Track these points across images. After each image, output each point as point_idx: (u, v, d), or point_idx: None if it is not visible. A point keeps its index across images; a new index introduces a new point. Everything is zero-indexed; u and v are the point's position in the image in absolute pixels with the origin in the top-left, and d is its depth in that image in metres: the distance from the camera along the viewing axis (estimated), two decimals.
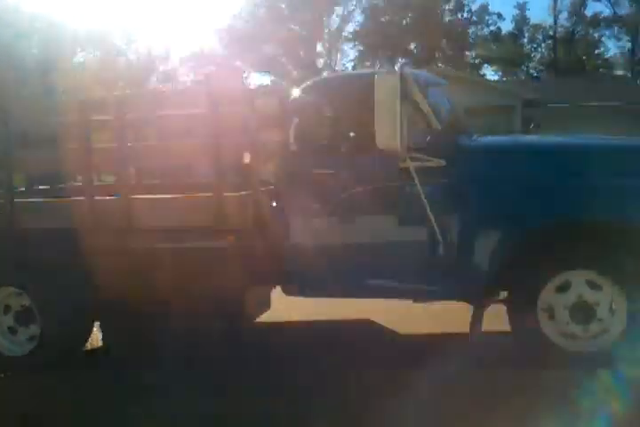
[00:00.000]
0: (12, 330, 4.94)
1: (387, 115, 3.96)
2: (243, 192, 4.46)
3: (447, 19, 54.58)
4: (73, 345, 5.03)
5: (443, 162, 4.22)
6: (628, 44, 49.22)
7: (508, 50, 53.57)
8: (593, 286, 4.03)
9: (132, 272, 4.52)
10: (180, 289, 4.42)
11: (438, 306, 4.64)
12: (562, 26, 51.40)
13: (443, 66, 46.51)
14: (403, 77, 4.01)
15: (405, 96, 4.02)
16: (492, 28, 55.85)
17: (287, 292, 4.65)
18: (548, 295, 4.08)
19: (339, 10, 52.68)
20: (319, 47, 53.90)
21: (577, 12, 51.85)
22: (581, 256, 4.04)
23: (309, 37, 52.03)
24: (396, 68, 4.25)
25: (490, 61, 53.80)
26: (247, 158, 4.51)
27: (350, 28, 55.04)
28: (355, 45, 54.99)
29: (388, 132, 3.96)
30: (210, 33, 53.72)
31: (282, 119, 4.66)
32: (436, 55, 53.14)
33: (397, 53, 54.50)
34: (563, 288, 4.08)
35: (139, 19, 70.39)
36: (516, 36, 55.29)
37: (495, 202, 4.19)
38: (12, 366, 4.90)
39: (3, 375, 4.91)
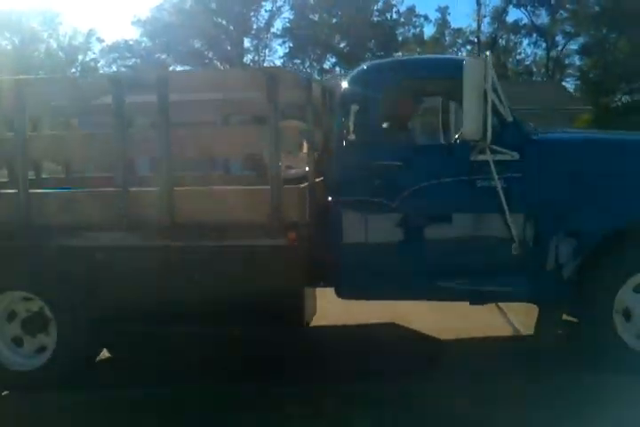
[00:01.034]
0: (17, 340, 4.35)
1: (476, 103, 3.69)
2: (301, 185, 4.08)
3: (376, 19, 55.14)
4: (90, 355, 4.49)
5: (517, 155, 4.00)
6: (544, 52, 51.30)
7: (432, 53, 54.75)
8: None
9: (173, 273, 4.05)
10: (232, 291, 3.98)
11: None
12: (484, 32, 52.86)
13: None
14: (489, 64, 3.75)
15: (492, 84, 3.77)
16: (418, 30, 57.22)
17: (342, 294, 4.29)
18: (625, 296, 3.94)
19: (267, 5, 52.09)
20: (247, 43, 53.17)
21: (499, 18, 53.61)
22: None
23: (237, 32, 51.23)
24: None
25: None
26: (303, 149, 4.13)
27: (279, 24, 54.64)
28: (284, 42, 54.63)
29: (477, 122, 3.69)
30: (134, 24, 51.59)
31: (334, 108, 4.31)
32: (366, 55, 53.50)
33: (327, 51, 54.63)
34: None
35: (60, 6, 67.46)
36: (437, 39, 56.69)
37: (573, 199, 4.00)
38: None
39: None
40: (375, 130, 4.21)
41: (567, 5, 43.95)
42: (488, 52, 3.84)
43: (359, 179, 4.15)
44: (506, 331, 5.10)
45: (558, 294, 3.99)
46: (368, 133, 4.19)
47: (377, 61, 4.86)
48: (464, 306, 4.25)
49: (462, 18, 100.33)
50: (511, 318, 5.31)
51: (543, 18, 50.29)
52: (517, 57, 53.75)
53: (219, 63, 49.77)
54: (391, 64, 4.69)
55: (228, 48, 51.29)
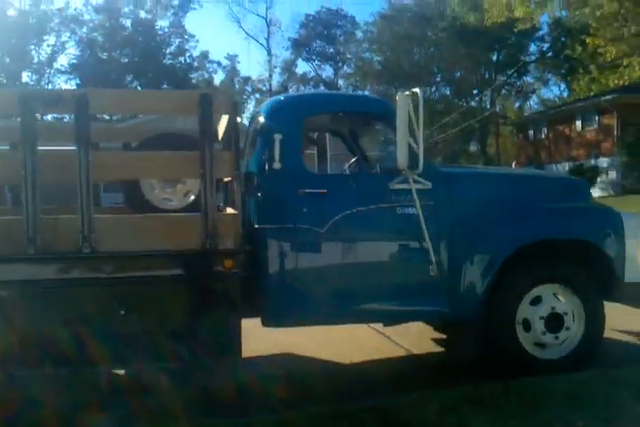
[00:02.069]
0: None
1: (406, 135, 3.98)
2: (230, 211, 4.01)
3: (169, 62, 55.14)
4: None
5: (429, 185, 4.36)
6: None
7: None
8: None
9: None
10: None
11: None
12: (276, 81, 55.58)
13: None
14: (419, 99, 4.09)
15: (417, 117, 4.11)
16: (212, 75, 58.50)
17: (267, 322, 4.24)
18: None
19: (50, 39, 49.63)
20: (25, 77, 49.89)
21: (289, 69, 56.91)
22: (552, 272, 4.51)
23: (15, 65, 47.95)
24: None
25: None
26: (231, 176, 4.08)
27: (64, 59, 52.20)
28: (69, 79, 52.27)
29: (406, 152, 3.99)
30: None
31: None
32: None
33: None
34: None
35: None
36: (227, 85, 58.45)
37: (476, 225, 4.46)
38: None
39: None
40: (298, 158, 4.31)
41: (354, 63, 48.06)
42: (417, 89, 4.18)
43: (285, 206, 4.21)
44: (399, 352, 5.37)
45: (473, 313, 4.36)
46: (292, 162, 4.27)
47: (296, 94, 4.99)
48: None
49: (255, 66, 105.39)
50: (398, 342, 5.61)
51: (328, 71, 54.62)
52: None
53: None
54: (312, 97, 4.85)
55: (4, 81, 47.62)
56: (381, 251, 4.37)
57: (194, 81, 55.51)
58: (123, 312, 3.77)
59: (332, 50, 53.41)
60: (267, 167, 4.26)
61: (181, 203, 4.89)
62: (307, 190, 4.20)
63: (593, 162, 27.90)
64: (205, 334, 3.81)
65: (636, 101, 25.00)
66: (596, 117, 27.93)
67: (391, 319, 4.45)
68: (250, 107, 57.36)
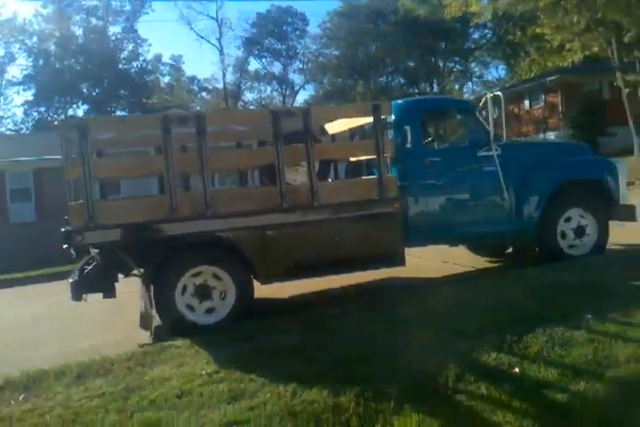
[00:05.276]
0: None
1: (492, 122, 6.61)
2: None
3: (124, 67, 55.96)
4: None
5: (500, 151, 6.97)
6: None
7: (179, 98, 57.81)
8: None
9: None
10: None
11: None
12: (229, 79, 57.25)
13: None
14: (500, 97, 6.72)
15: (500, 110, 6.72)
16: (167, 77, 59.74)
17: (411, 244, 6.74)
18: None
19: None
20: None
21: (241, 67, 58.64)
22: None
23: None
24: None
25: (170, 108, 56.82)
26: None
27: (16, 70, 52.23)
28: (24, 89, 52.63)
29: (492, 133, 6.63)
30: None
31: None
32: (120, 102, 54.17)
33: (76, 98, 53.88)
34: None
35: None
36: (172, 86, 59.92)
37: (533, 174, 7.12)
38: None
39: None
40: (420, 140, 6.90)
41: (309, 58, 50.29)
42: (499, 92, 6.78)
43: (416, 169, 6.79)
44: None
45: (532, 230, 7.04)
46: (416, 142, 6.84)
47: (415, 98, 7.48)
48: None
49: (208, 66, 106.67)
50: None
51: (278, 67, 56.60)
52: (263, 102, 59.18)
53: None
54: (424, 101, 7.36)
55: None
56: (476, 194, 7.00)
57: (149, 84, 56.46)
58: (337, 239, 6.24)
59: (284, 46, 55.36)
60: (404, 147, 6.82)
61: (302, 180, 7.26)
62: (429, 159, 6.78)
63: (542, 136, 31.17)
64: (379, 250, 6.31)
65: (577, 81, 28.65)
66: (543, 96, 31.29)
67: (483, 237, 7.10)
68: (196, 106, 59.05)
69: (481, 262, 8.15)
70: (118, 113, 52.69)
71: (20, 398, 4.10)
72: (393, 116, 6.88)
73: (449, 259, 8.18)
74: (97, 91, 53.22)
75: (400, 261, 6.45)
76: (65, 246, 5.73)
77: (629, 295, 5.15)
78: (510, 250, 8.09)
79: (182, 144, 6.61)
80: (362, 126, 7.23)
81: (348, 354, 4.27)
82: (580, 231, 7.21)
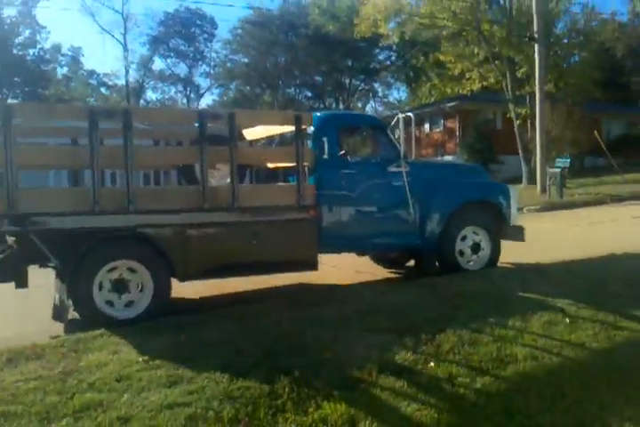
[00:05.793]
0: None
1: (402, 140, 7.09)
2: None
3: (18, 52, 53.29)
4: None
5: (408, 168, 7.48)
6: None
7: (76, 91, 55.86)
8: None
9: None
10: None
11: None
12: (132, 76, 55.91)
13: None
14: (410, 118, 7.22)
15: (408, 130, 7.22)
16: (65, 69, 57.32)
17: (323, 250, 7.07)
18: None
19: None
20: None
21: (145, 65, 57.42)
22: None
23: None
24: None
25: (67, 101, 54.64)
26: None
27: None
28: None
29: (403, 150, 7.11)
30: None
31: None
32: (5, 91, 51.37)
33: None
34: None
35: None
36: (69, 78, 57.82)
37: (436, 193, 7.69)
38: None
39: None
40: (337, 152, 7.27)
41: (217, 63, 50.07)
42: (410, 113, 7.27)
43: (332, 180, 7.15)
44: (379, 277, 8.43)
45: (433, 245, 7.58)
46: (333, 154, 7.21)
47: (333, 112, 7.83)
48: None
49: (110, 61, 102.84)
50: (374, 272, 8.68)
51: (183, 69, 56.06)
52: (166, 103, 58.26)
53: None
54: (344, 115, 7.75)
55: None
56: (384, 208, 7.44)
57: (46, 74, 54.06)
58: (254, 242, 6.47)
59: (191, 48, 54.89)
60: (321, 158, 7.15)
61: (218, 182, 7.49)
62: (343, 171, 7.16)
63: (440, 159, 32.90)
64: (293, 254, 6.62)
65: (474, 108, 30.58)
66: (442, 121, 33.03)
67: (389, 249, 7.56)
68: (92, 100, 57.17)
69: (391, 273, 8.66)
70: (10, 101, 49.89)
71: None
72: (312, 128, 7.22)
73: (363, 269, 8.60)
74: None
75: (313, 265, 6.78)
76: None
77: (524, 303, 5.84)
78: (412, 262, 8.60)
79: (105, 138, 6.62)
80: (280, 135, 7.52)
81: (276, 347, 4.55)
82: (475, 248, 7.84)
